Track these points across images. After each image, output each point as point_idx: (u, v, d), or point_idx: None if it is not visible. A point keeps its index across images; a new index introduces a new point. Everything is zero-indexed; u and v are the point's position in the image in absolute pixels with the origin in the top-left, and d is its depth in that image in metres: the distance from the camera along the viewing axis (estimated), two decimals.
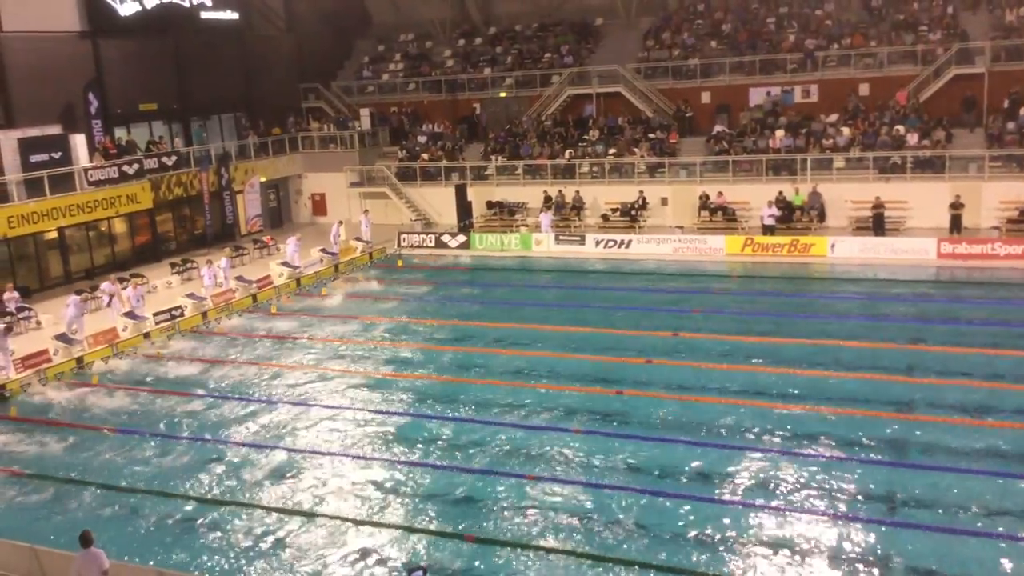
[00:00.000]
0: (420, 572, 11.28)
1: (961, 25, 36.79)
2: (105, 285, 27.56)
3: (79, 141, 32.83)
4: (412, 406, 19.80)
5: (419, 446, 17.66)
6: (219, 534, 14.64)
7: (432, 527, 14.57)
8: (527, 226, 36.61)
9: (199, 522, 15.06)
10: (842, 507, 14.54)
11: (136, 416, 20.03)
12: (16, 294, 26.85)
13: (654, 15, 43.77)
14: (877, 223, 31.60)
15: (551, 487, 15.59)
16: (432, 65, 46.05)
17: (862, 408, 18.22)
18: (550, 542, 13.90)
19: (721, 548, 13.53)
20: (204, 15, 38.70)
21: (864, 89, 36.70)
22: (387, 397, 20.35)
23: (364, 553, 13.83)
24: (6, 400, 21.31)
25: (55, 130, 32.58)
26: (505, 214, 37.86)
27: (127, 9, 34.94)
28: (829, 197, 33.09)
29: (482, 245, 35.05)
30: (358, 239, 35.09)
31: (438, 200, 39.09)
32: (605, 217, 35.99)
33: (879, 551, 13.27)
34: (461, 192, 37.22)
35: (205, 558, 13.89)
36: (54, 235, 30.94)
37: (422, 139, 42.00)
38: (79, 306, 24.97)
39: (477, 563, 13.44)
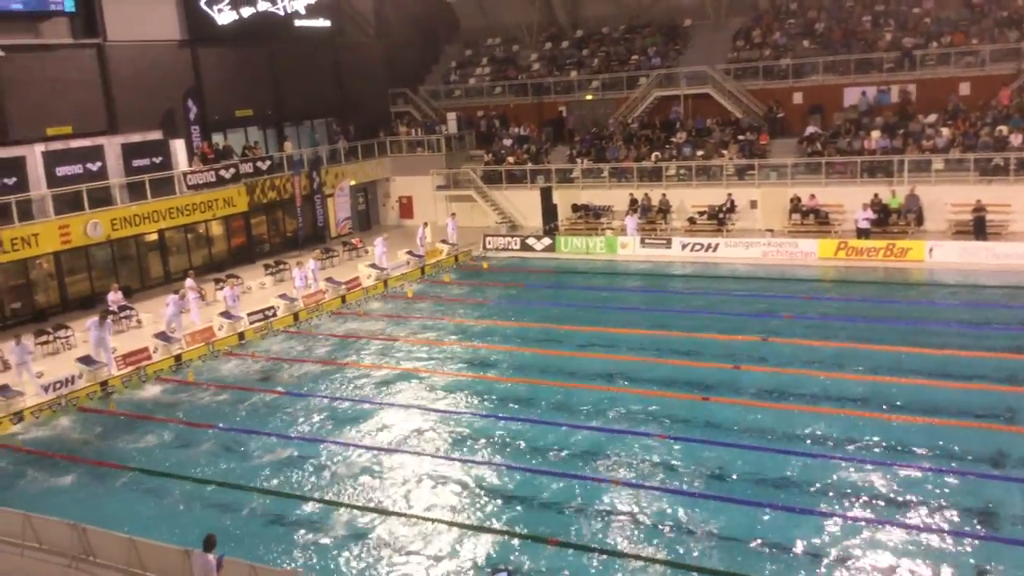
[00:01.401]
0: (504, 574, 11.32)
1: None
2: (188, 281, 28.46)
3: (178, 146, 34.10)
4: (496, 408, 19.88)
5: (503, 448, 17.73)
6: (306, 530, 14.95)
7: (515, 529, 14.59)
8: (613, 229, 36.41)
9: (288, 518, 15.41)
10: (938, 520, 14.02)
11: (228, 413, 20.62)
12: (120, 295, 27.95)
13: (744, 15, 43.03)
14: (978, 227, 30.43)
15: (635, 493, 15.45)
16: (518, 69, 46.23)
17: (960, 419, 17.54)
18: (633, 548, 13.77)
19: (811, 560, 13.20)
20: (298, 23, 39.73)
21: (964, 88, 35.39)
22: (471, 398, 20.50)
23: (447, 554, 13.94)
24: (109, 396, 22.24)
25: (156, 136, 33.90)
26: (591, 217, 37.74)
27: (225, 18, 36.11)
28: (927, 200, 32.03)
29: (567, 248, 35.01)
30: (444, 241, 35.46)
31: (523, 203, 39.23)
32: (692, 220, 35.55)
33: (977, 567, 12.76)
34: (546, 195, 37.24)
35: (294, 554, 14.19)
36: (154, 237, 32.19)
37: (508, 142, 42.22)
38: (178, 305, 25.86)
39: (560, 567, 13.38)
